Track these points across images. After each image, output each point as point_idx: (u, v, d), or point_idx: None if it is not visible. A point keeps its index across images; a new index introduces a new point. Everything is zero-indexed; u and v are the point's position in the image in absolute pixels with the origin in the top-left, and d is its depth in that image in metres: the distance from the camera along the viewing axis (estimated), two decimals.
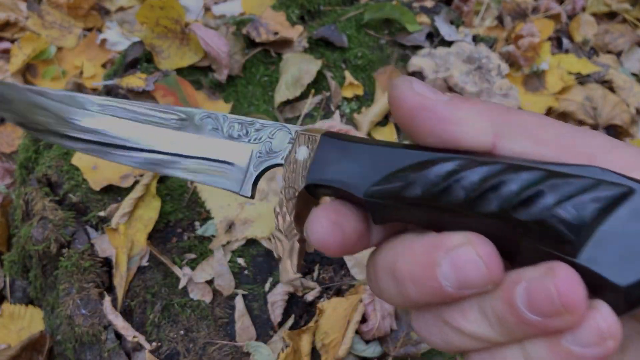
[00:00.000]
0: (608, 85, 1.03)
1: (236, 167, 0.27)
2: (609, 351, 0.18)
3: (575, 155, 0.20)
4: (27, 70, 0.95)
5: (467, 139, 0.21)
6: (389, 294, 0.22)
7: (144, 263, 0.54)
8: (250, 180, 0.26)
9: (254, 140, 0.27)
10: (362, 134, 0.67)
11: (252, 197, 0.27)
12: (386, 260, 0.22)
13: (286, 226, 0.26)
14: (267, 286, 0.53)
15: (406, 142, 0.23)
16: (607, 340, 0.18)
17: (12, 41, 1.00)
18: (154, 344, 0.49)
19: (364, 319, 0.51)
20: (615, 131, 0.98)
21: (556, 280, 0.18)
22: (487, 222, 0.20)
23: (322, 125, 0.66)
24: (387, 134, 0.69)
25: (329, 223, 0.22)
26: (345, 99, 0.71)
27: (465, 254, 0.19)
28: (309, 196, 0.25)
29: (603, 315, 0.18)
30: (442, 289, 0.20)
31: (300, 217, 0.25)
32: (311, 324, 0.50)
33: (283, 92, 0.67)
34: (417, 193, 0.21)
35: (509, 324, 0.19)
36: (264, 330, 0.51)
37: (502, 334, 0.20)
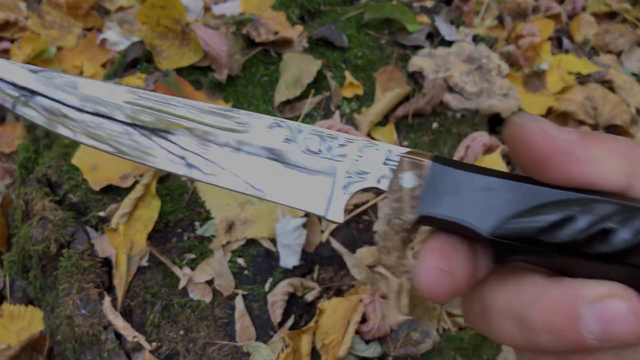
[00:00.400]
0: (608, 85, 1.03)
1: (319, 187, 0.24)
2: None
3: None
4: None
5: (604, 180, 0.19)
6: (510, 337, 0.21)
7: (144, 263, 0.53)
8: (340, 204, 0.23)
9: (338, 157, 0.23)
10: (362, 134, 0.67)
11: (342, 222, 0.24)
12: (510, 304, 0.21)
13: (393, 262, 0.24)
14: (267, 286, 0.53)
15: (523, 174, 0.21)
16: None
17: (12, 41, 1.00)
18: (154, 344, 0.49)
19: (364, 319, 0.51)
20: (615, 131, 0.98)
21: None
22: (635, 273, 0.19)
23: (323, 125, 0.66)
24: (387, 133, 0.69)
25: (439, 271, 0.21)
26: (345, 98, 0.71)
27: (615, 307, 0.18)
28: (415, 227, 0.22)
29: None
30: (583, 340, 0.19)
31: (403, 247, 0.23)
32: (311, 324, 0.50)
33: (283, 92, 0.67)
34: (563, 238, 0.19)
35: None
36: (263, 331, 0.51)
37: None
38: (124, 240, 0.53)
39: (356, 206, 0.60)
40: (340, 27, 0.77)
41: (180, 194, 0.59)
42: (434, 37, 0.79)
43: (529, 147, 0.20)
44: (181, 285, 0.52)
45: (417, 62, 0.72)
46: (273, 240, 0.56)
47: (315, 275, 0.55)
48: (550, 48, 1.04)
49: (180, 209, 0.58)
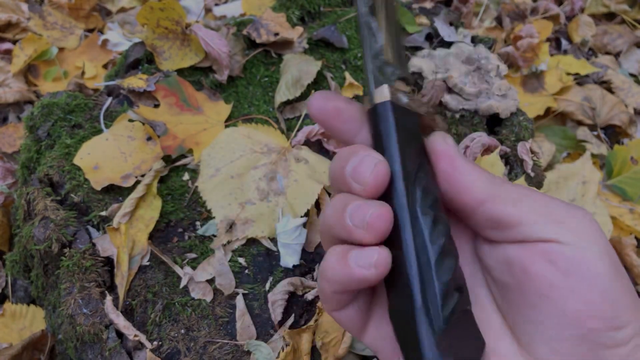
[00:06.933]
0: (606, 85, 1.03)
1: None
2: (367, 277, 0.25)
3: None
4: (29, 71, 0.96)
5: (468, 191, 0.27)
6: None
7: (145, 262, 0.54)
8: None
9: None
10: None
11: None
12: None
13: None
14: (267, 285, 0.54)
15: None
16: (372, 268, 0.25)
17: (14, 42, 1.00)
18: (155, 343, 0.49)
19: None
20: (613, 131, 0.98)
21: (373, 211, 0.25)
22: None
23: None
24: None
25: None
26: None
27: (370, 160, 0.26)
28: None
29: (381, 253, 0.25)
30: (344, 170, 0.27)
31: None
32: (311, 323, 0.50)
33: (283, 93, 0.68)
34: None
35: (337, 216, 0.26)
36: (264, 329, 0.51)
37: (333, 227, 0.27)
38: (126, 239, 0.54)
39: None
40: (340, 28, 0.77)
41: (182, 193, 0.59)
42: (433, 38, 0.80)
43: (437, 154, 0.28)
44: (182, 284, 0.52)
45: (417, 62, 0.73)
46: (273, 240, 0.56)
47: (315, 274, 0.55)
48: (548, 49, 1.05)
49: (181, 208, 0.58)
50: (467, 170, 0.27)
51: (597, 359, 0.25)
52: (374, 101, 0.27)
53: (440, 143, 0.28)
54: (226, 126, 0.66)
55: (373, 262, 0.25)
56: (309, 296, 0.53)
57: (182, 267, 0.54)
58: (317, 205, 0.58)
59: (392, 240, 0.26)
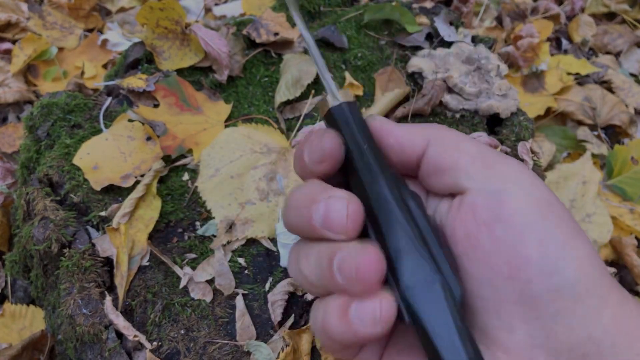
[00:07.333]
0: (607, 85, 1.03)
1: None
2: (374, 334, 0.22)
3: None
4: (28, 71, 0.96)
5: (410, 142, 0.28)
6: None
7: (145, 263, 0.54)
8: None
9: None
10: None
11: None
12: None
13: None
14: (267, 286, 0.54)
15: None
16: (377, 325, 0.22)
17: (14, 42, 1.00)
18: (155, 343, 0.49)
19: None
20: (614, 131, 0.98)
21: (364, 257, 0.23)
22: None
23: (322, 124, 0.66)
24: None
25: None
26: None
27: (336, 204, 0.24)
28: None
29: (384, 304, 0.23)
30: (313, 223, 0.24)
31: None
32: None
33: (283, 93, 0.68)
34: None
35: (324, 273, 0.24)
36: (264, 330, 0.51)
37: (319, 282, 0.25)
38: (125, 240, 0.53)
39: None
40: (340, 28, 0.77)
41: (181, 194, 0.59)
42: (434, 38, 0.80)
43: (382, 132, 0.29)
44: (182, 284, 0.52)
45: (417, 62, 0.72)
46: (273, 240, 0.56)
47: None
48: (549, 49, 1.05)
49: (181, 208, 0.58)
50: (404, 127, 0.28)
51: (544, 316, 0.22)
52: (341, 99, 0.30)
53: (374, 120, 0.29)
54: (226, 126, 0.65)
55: (378, 317, 0.22)
56: (309, 296, 0.53)
57: (181, 268, 0.54)
58: None
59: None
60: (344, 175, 0.28)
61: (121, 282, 0.52)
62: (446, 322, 0.22)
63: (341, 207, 0.24)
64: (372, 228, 0.26)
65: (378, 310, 0.22)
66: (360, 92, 0.72)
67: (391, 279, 0.24)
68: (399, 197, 0.26)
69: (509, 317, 0.23)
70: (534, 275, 0.22)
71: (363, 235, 0.26)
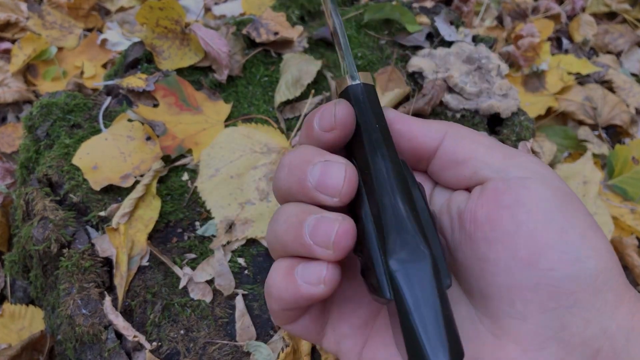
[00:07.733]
0: (608, 85, 1.03)
1: None
2: (318, 294, 0.23)
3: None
4: (28, 71, 0.95)
5: (426, 136, 0.28)
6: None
7: (145, 263, 0.54)
8: None
9: None
10: None
11: None
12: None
13: None
14: None
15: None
16: (319, 285, 0.23)
17: (13, 41, 1.00)
18: (155, 343, 0.49)
19: None
20: (615, 131, 0.98)
21: (339, 228, 0.23)
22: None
23: None
24: None
25: None
26: None
27: (334, 167, 0.24)
28: None
29: (331, 267, 0.23)
30: (307, 184, 0.24)
31: None
32: None
33: (283, 92, 0.68)
34: None
35: (297, 231, 0.24)
36: (264, 330, 0.51)
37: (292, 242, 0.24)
38: (125, 240, 0.53)
39: None
40: None
41: (181, 194, 0.59)
42: (434, 38, 0.79)
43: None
44: (181, 284, 0.52)
45: (417, 62, 0.72)
46: None
47: None
48: (549, 48, 1.05)
49: (180, 209, 0.58)
50: (420, 120, 0.28)
51: (561, 306, 0.22)
52: (360, 81, 0.29)
53: (389, 112, 0.29)
54: (226, 126, 0.65)
55: (322, 278, 0.23)
56: None
57: (181, 268, 0.53)
58: None
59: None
60: (348, 154, 0.28)
61: (121, 282, 0.52)
62: (430, 302, 0.22)
63: (338, 170, 0.24)
64: (369, 202, 0.25)
65: (324, 271, 0.23)
66: None
67: (379, 253, 0.24)
68: (403, 178, 0.25)
69: (523, 306, 0.23)
70: (555, 262, 0.22)
71: (350, 212, 0.26)
